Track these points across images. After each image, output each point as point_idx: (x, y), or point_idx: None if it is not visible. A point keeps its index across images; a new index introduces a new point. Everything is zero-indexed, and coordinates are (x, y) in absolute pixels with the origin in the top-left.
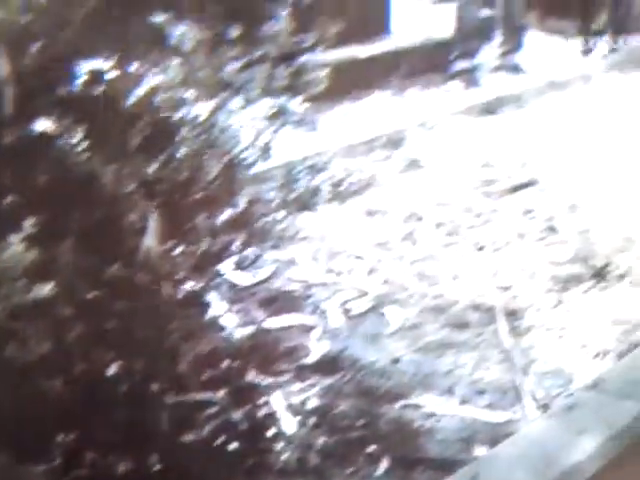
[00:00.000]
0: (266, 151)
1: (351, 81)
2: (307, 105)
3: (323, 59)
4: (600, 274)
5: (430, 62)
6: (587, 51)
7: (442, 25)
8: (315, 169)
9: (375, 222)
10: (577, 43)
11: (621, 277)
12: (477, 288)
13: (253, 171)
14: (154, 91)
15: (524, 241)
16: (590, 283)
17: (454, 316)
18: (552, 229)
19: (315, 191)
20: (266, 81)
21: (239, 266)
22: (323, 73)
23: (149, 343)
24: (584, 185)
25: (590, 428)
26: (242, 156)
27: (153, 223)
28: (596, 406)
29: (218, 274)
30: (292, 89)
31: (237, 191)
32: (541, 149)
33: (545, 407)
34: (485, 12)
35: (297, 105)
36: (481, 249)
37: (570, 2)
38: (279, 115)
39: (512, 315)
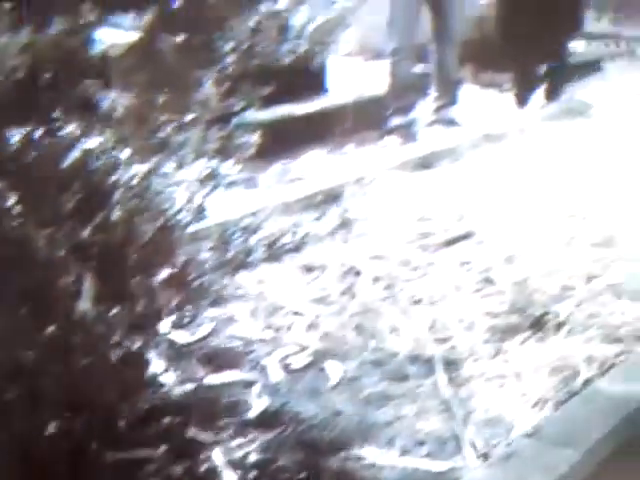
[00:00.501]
0: (201, 212)
1: (288, 139)
2: (241, 166)
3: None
4: (538, 324)
5: (366, 118)
6: (522, 103)
7: (377, 82)
8: (252, 227)
9: (313, 278)
10: (512, 95)
11: (559, 326)
12: (415, 340)
13: (188, 231)
14: (87, 155)
15: (461, 293)
16: (528, 333)
17: (393, 368)
18: (489, 280)
19: (252, 249)
20: (199, 144)
21: (178, 324)
22: (256, 134)
23: (87, 402)
24: (520, 236)
25: (529, 476)
26: (177, 217)
27: (88, 286)
28: (535, 454)
29: (157, 333)
30: (225, 151)
31: (173, 252)
32: (477, 202)
33: (485, 456)
34: (419, 68)
35: (230, 167)
36: (419, 302)
37: (505, 55)
38: (213, 177)
39: (451, 366)
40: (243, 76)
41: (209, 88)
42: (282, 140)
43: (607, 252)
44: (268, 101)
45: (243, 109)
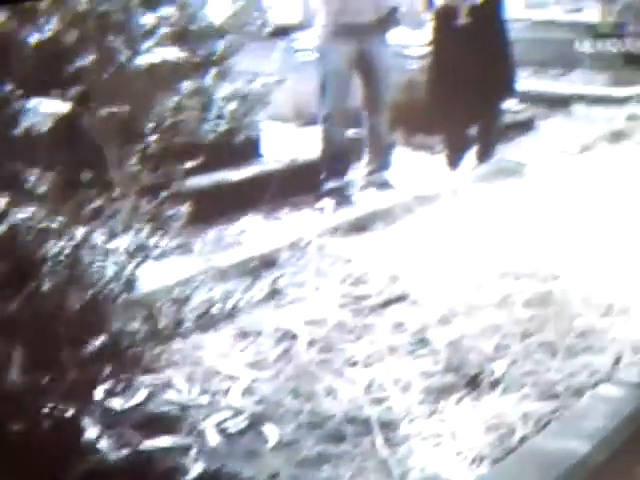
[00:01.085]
0: (131, 282)
1: (223, 205)
2: (171, 236)
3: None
4: (473, 382)
5: (300, 183)
6: (454, 165)
7: (310, 147)
8: (186, 294)
9: (249, 343)
10: (444, 157)
11: (494, 384)
12: (352, 402)
13: (120, 302)
14: (15, 229)
15: (396, 354)
16: (463, 392)
17: (331, 430)
18: (424, 341)
19: (186, 316)
20: (129, 215)
21: (113, 392)
22: (186, 204)
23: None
24: (454, 296)
25: None
26: (108, 288)
27: (18, 357)
28: None
29: (91, 401)
30: (155, 222)
31: (104, 322)
32: (411, 263)
33: None
34: (352, 132)
35: (161, 237)
36: (354, 364)
37: (436, 118)
38: (143, 248)
39: (387, 426)
40: (171, 148)
41: (136, 161)
42: (217, 206)
43: (541, 310)
44: (203, 168)
45: (172, 180)
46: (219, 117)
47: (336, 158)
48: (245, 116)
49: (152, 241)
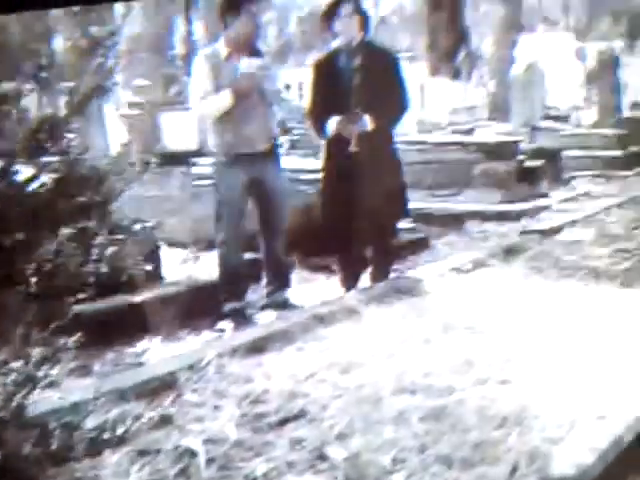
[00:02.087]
0: (20, 410)
1: (124, 327)
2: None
3: (96, 307)
4: None
5: (200, 305)
6: (351, 285)
7: (210, 270)
8: (83, 415)
9: (147, 462)
10: (341, 278)
11: None
12: None
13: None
14: None
15: (295, 470)
16: None
17: None
18: (322, 457)
19: (82, 438)
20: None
21: None
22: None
23: None
24: (351, 412)
25: None
26: None
27: None
28: None
29: None
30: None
31: None
32: (309, 381)
33: None
34: (250, 255)
35: (52, 368)
36: None
37: (331, 239)
38: (31, 379)
39: None
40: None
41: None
42: (118, 328)
43: (436, 425)
44: (105, 291)
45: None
46: (99, 260)
47: (234, 280)
48: (127, 258)
49: (42, 371)
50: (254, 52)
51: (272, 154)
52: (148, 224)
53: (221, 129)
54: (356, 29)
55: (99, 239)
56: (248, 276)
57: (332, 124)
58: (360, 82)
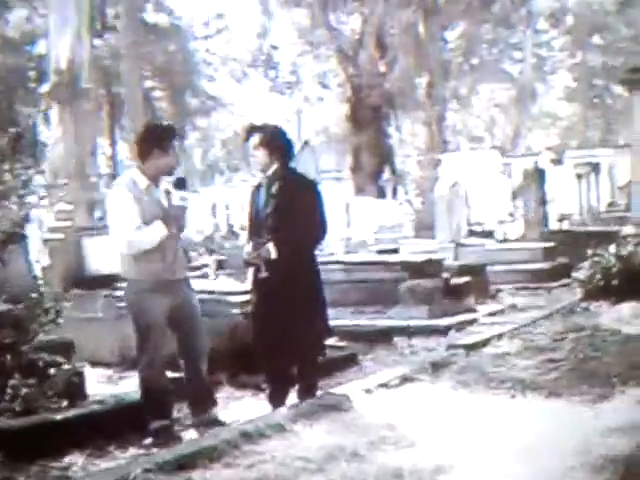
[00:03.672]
0: None
1: (48, 443)
2: None
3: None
4: None
5: (126, 422)
6: (278, 402)
7: (133, 388)
8: None
9: None
10: (268, 395)
11: None
12: None
13: None
14: None
15: None
16: None
17: None
18: None
19: None
20: None
21: None
22: None
23: None
24: None
25: None
26: None
27: None
28: None
29: None
30: None
31: None
32: None
33: None
34: (174, 374)
35: None
36: None
37: (258, 357)
38: None
39: None
40: None
41: None
42: (42, 445)
43: None
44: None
45: None
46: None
47: (160, 399)
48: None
49: None
50: (179, 182)
51: (187, 280)
52: (65, 365)
53: (147, 258)
54: (266, 160)
55: (12, 381)
56: (174, 396)
57: (246, 250)
58: (273, 209)
